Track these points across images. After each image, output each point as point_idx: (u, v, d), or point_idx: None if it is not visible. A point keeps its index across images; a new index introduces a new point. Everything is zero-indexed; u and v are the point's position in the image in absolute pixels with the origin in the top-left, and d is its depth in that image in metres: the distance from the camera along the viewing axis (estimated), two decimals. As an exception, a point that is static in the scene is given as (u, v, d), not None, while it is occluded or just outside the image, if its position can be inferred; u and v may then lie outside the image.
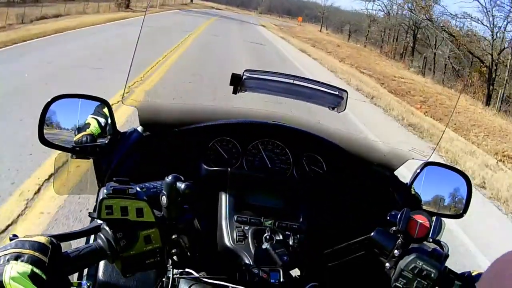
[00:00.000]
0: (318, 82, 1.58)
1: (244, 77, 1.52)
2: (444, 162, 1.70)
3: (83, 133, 1.53)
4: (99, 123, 1.56)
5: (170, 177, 1.07)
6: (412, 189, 1.61)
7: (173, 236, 1.13)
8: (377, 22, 42.75)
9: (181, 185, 1.06)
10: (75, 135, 1.53)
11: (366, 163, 1.66)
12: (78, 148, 1.51)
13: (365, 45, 40.05)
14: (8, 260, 0.82)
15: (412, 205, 1.57)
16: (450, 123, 12.67)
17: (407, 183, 1.62)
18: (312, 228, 1.45)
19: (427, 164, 1.61)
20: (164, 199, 1.08)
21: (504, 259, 0.72)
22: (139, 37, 1.64)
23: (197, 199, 1.10)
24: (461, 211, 1.61)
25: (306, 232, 1.42)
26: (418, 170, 1.59)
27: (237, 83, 1.52)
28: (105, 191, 1.01)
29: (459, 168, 1.64)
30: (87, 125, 1.54)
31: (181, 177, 1.08)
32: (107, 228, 1.00)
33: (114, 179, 1.05)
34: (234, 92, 1.55)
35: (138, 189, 1.06)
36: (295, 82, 1.56)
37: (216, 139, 1.59)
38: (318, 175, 1.63)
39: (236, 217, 1.40)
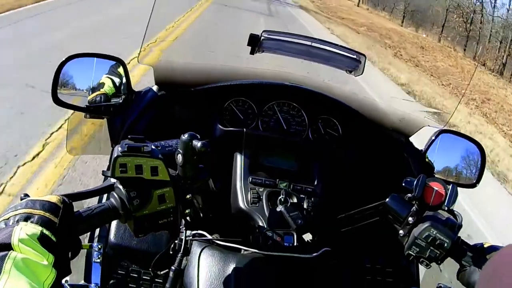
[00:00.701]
0: (336, 45, 1.56)
1: (262, 37, 1.48)
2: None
3: (97, 92, 1.53)
4: (113, 82, 1.55)
5: (186, 135, 1.06)
6: (426, 157, 1.60)
7: (188, 196, 1.12)
8: (460, 8, 28.01)
9: (197, 143, 1.04)
10: (89, 95, 1.52)
11: (381, 128, 1.65)
12: (92, 108, 1.51)
13: (439, 39, 28.12)
14: (18, 221, 0.81)
15: (426, 173, 1.56)
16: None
17: (421, 150, 1.61)
18: (327, 192, 1.45)
19: (442, 131, 1.59)
20: (179, 158, 1.06)
21: (502, 256, 0.71)
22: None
23: (212, 158, 1.09)
24: (474, 181, 1.61)
25: (321, 195, 1.42)
26: (433, 137, 1.58)
27: (255, 43, 1.50)
28: (119, 149, 1.00)
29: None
30: (101, 84, 1.54)
31: (197, 135, 1.07)
32: (120, 187, 0.99)
33: (129, 136, 1.03)
34: (252, 52, 1.53)
35: (153, 147, 1.04)
36: (313, 44, 1.53)
37: (231, 100, 1.58)
38: (333, 138, 1.62)
39: (251, 178, 1.40)
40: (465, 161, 1.63)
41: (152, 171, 1.00)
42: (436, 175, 1.57)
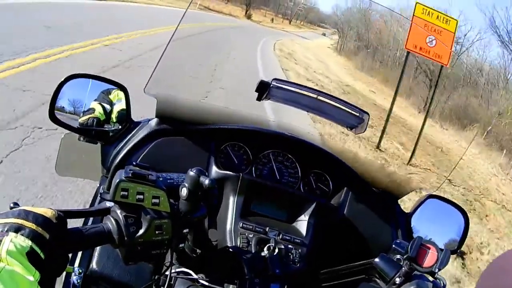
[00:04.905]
0: (341, 100, 1.59)
1: (271, 85, 1.51)
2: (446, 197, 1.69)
3: (89, 115, 1.51)
4: (104, 108, 1.54)
5: (194, 170, 1.05)
6: (411, 219, 1.63)
7: (184, 231, 1.10)
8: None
9: (205, 180, 1.03)
10: (80, 117, 1.51)
11: (372, 187, 1.66)
12: (83, 129, 1.49)
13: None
14: (8, 231, 0.77)
15: (411, 235, 1.58)
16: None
17: (408, 213, 1.63)
18: (315, 244, 1.44)
19: (430, 196, 1.62)
20: (184, 191, 1.05)
21: (505, 256, 0.73)
22: (176, 29, 1.62)
23: (214, 196, 1.08)
24: (455, 247, 1.63)
25: (309, 247, 1.41)
26: (421, 201, 1.61)
27: (264, 90, 1.51)
28: (123, 173, 0.99)
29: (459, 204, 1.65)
30: (92, 109, 1.52)
31: (205, 171, 1.06)
32: (118, 212, 0.98)
33: (134, 163, 1.04)
34: (259, 98, 1.54)
35: (157, 177, 1.04)
36: (319, 97, 1.56)
37: (228, 143, 1.59)
38: (324, 192, 1.63)
39: (241, 223, 1.39)
40: (448, 226, 1.66)
41: (153, 201, 1.00)
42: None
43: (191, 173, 1.05)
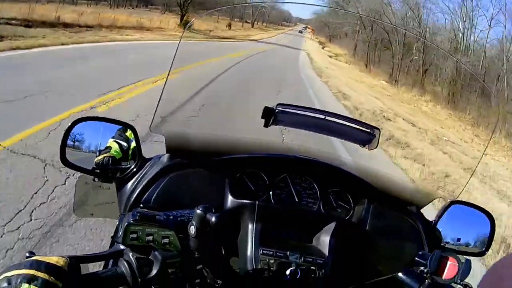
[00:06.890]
0: (350, 118, 1.57)
1: (276, 110, 1.51)
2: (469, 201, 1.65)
3: (104, 155, 1.53)
4: (120, 146, 1.55)
5: (200, 208, 1.06)
6: (436, 228, 1.59)
7: (198, 267, 1.11)
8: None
9: (212, 217, 1.04)
10: (96, 157, 1.52)
11: (393, 200, 1.63)
12: (98, 170, 1.51)
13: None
14: (21, 282, 0.80)
15: (436, 243, 1.54)
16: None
17: (432, 221, 1.59)
18: (338, 263, 1.41)
19: (452, 202, 1.59)
20: (192, 230, 1.06)
21: (504, 263, 0.73)
22: (172, 64, 1.64)
23: (224, 230, 1.08)
24: (483, 249, 1.60)
25: (332, 267, 1.39)
26: (444, 208, 1.57)
27: (269, 116, 1.52)
28: (131, 216, 1.01)
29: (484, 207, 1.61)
30: (108, 148, 1.54)
31: (212, 208, 1.07)
32: (130, 254, 1.00)
33: (141, 205, 1.05)
34: (266, 125, 1.55)
35: (165, 217, 1.06)
36: (327, 118, 1.54)
37: (243, 171, 1.57)
38: (345, 210, 1.61)
39: (261, 250, 1.37)
40: (474, 230, 1.62)
41: (163, 241, 1.02)
42: (445, 245, 1.56)
43: (198, 211, 1.06)
